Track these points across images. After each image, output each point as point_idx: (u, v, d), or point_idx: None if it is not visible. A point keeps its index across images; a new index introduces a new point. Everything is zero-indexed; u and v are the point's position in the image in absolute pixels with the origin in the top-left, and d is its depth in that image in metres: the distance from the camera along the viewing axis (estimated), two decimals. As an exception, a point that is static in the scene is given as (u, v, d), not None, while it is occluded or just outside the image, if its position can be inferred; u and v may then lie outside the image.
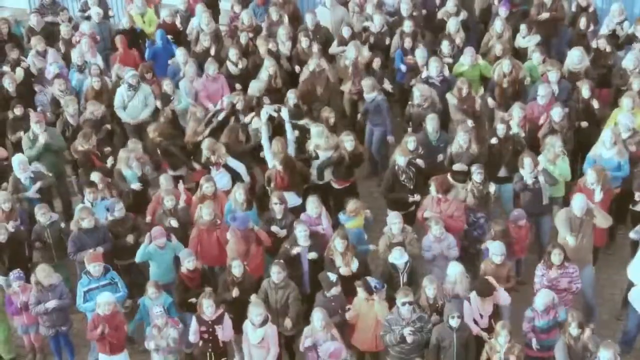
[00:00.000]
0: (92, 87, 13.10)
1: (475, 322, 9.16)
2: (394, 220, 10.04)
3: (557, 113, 11.54)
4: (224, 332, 9.20)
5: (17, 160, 11.46)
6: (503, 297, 9.27)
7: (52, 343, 10.10)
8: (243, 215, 10.20)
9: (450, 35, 13.67)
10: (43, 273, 9.64)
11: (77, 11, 15.97)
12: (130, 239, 10.48)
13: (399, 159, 10.95)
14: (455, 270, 9.43)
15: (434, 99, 12.30)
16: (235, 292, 9.44)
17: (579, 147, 11.91)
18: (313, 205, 10.39)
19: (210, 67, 13.26)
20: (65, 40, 14.49)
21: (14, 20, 15.33)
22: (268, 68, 13.12)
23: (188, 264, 9.69)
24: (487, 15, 14.60)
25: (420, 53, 13.18)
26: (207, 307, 9.04)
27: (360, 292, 9.25)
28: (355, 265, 9.68)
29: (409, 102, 12.48)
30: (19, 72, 13.54)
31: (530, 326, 9.11)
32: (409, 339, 8.77)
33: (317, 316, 8.82)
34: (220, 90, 13.19)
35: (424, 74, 12.76)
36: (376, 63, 13.26)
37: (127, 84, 12.97)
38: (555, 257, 9.42)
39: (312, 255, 9.87)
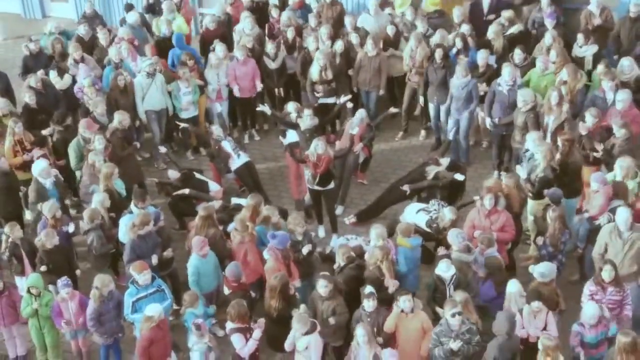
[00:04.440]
0: (116, 84, 13.34)
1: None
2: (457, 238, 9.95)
3: (617, 130, 11.28)
4: (259, 327, 9.22)
5: (39, 167, 11.51)
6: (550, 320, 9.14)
7: (102, 350, 10.12)
8: (282, 234, 10.16)
9: (490, 41, 13.83)
10: (102, 282, 9.61)
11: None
12: (169, 252, 10.58)
13: None
14: (511, 289, 9.33)
15: (537, 102, 12.21)
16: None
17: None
18: (376, 235, 10.13)
19: (239, 52, 13.85)
20: (104, 47, 14.66)
21: (60, 30, 15.50)
22: (319, 60, 13.53)
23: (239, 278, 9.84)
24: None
25: (481, 54, 13.35)
26: None
27: (395, 308, 9.16)
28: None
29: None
30: (67, 79, 13.77)
31: (578, 340, 8.95)
32: (455, 347, 8.65)
33: (359, 332, 8.75)
34: (250, 74, 14.00)
35: (499, 80, 12.69)
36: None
37: (145, 72, 13.37)
38: (606, 273, 9.22)
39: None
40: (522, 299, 9.28)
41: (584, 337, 8.93)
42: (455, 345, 8.65)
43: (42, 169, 11.51)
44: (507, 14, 14.32)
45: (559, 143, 11.20)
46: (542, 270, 9.46)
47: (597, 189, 10.46)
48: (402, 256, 10.05)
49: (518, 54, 13.23)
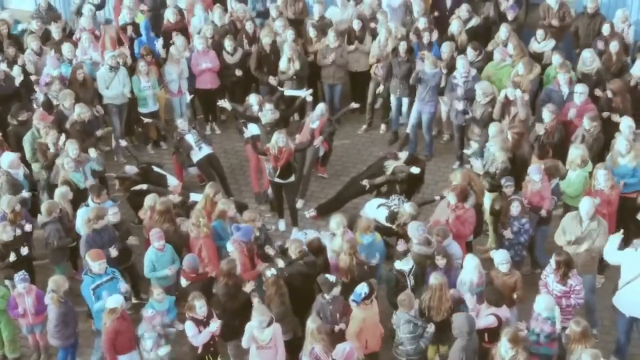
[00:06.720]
0: (75, 77, 13.21)
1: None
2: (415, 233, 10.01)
3: (588, 123, 11.44)
4: (218, 326, 9.18)
5: (8, 159, 11.41)
6: (502, 311, 9.18)
7: (61, 353, 9.92)
8: (247, 227, 10.11)
9: (454, 36, 13.91)
10: (56, 284, 9.47)
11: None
12: (132, 239, 10.55)
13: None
14: (470, 264, 9.41)
15: (495, 94, 12.37)
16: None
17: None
18: (336, 223, 10.19)
19: (198, 41, 13.82)
20: (56, 41, 14.43)
21: (12, 20, 15.32)
22: (287, 52, 13.58)
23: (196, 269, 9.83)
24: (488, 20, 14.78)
25: (445, 47, 13.46)
26: (200, 307, 9.09)
27: (355, 308, 9.17)
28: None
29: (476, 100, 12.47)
30: (17, 70, 13.52)
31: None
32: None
33: (307, 325, 8.77)
34: (210, 64, 14.04)
35: (455, 73, 12.82)
36: None
37: (108, 65, 13.26)
38: (553, 261, 9.37)
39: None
40: (482, 274, 9.44)
41: (530, 324, 9.06)
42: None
43: (11, 161, 11.41)
44: (464, 7, 14.42)
45: (509, 136, 11.35)
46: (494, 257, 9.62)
47: (539, 181, 10.60)
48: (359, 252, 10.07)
49: (470, 52, 13.28)
